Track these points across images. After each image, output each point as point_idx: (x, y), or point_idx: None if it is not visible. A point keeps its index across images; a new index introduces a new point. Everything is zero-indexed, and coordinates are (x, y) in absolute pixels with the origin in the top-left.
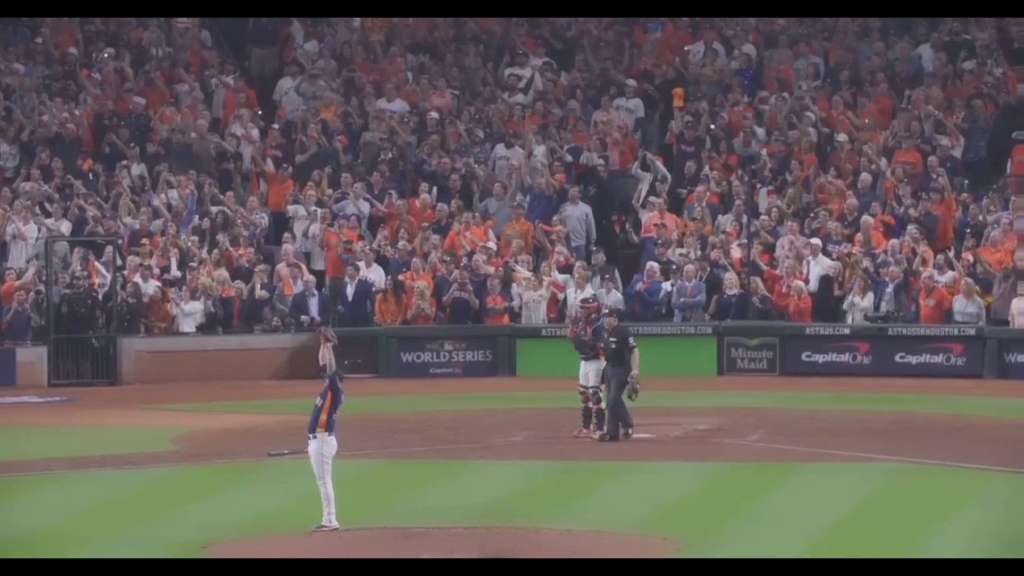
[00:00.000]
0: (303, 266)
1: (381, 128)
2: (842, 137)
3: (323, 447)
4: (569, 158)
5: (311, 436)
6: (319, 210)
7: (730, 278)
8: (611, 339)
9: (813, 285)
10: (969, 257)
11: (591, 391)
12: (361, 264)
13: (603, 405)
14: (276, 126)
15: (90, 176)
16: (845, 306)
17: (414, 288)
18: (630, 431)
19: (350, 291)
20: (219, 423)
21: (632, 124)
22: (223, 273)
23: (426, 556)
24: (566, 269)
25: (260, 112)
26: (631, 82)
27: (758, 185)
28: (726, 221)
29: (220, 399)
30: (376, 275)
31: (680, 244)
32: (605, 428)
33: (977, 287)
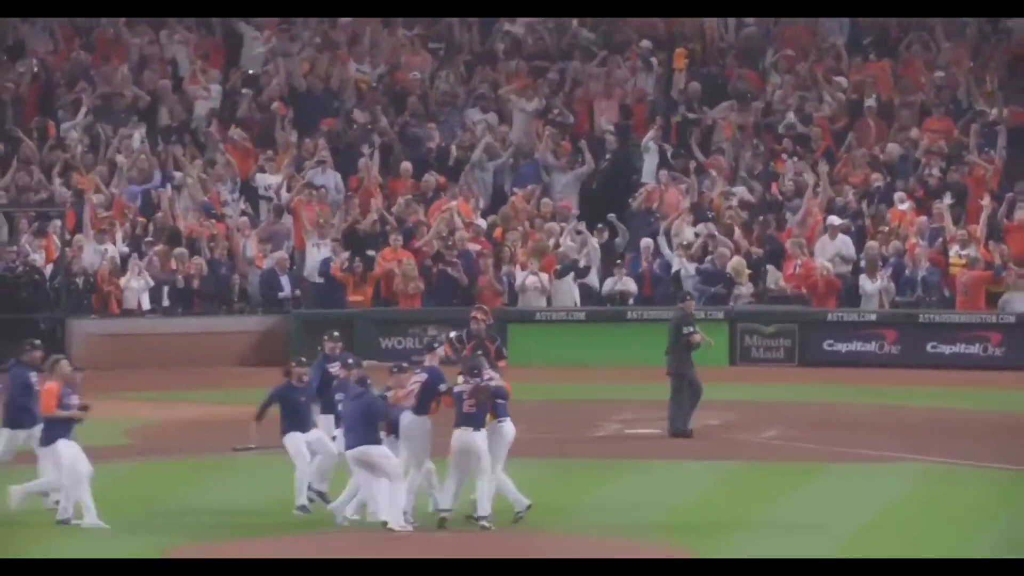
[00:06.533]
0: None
1: (351, 91)
2: (870, 103)
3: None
4: (570, 120)
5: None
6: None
7: (737, 263)
8: None
9: (835, 267)
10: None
11: None
12: (325, 241)
13: None
14: (245, 90)
15: (32, 138)
16: (867, 289)
17: (396, 266)
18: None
19: (314, 267)
20: (178, 414)
21: (648, 87)
22: (181, 251)
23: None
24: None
25: (224, 71)
26: (646, 43)
27: (783, 156)
28: (740, 194)
29: (180, 387)
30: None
31: (696, 222)
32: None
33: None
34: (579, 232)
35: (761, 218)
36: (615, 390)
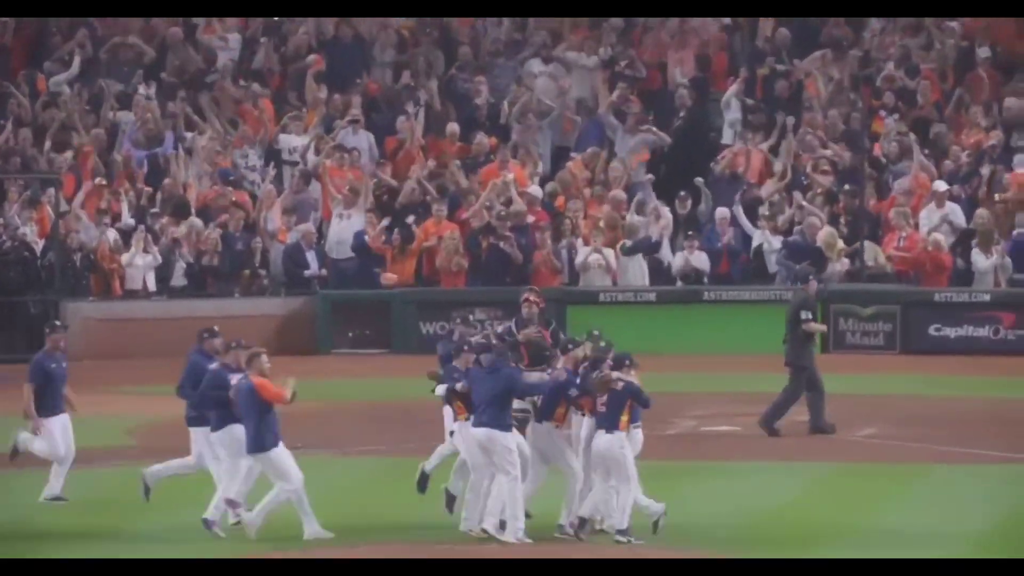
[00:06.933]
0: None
1: (390, 39)
2: (984, 52)
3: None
4: (641, 73)
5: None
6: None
7: (828, 235)
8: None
9: (945, 240)
10: None
11: None
12: (353, 210)
13: None
14: (267, 39)
15: (24, 95)
16: (980, 266)
17: (439, 239)
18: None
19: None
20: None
21: (729, 34)
22: (194, 223)
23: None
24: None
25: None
26: None
27: (883, 113)
28: (834, 157)
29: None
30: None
31: (783, 189)
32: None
33: None
34: (649, 201)
35: (855, 185)
36: (689, 381)
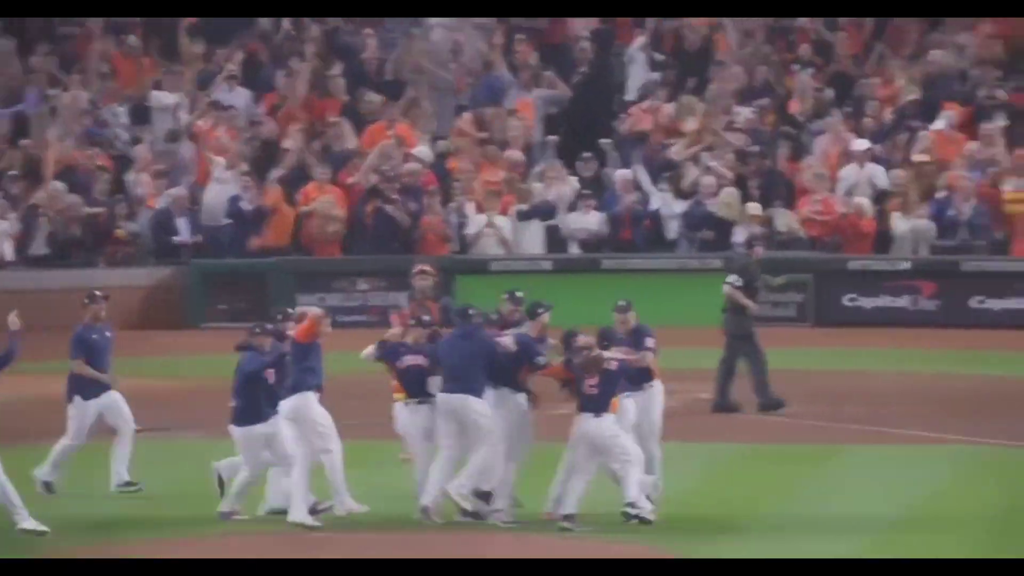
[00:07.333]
0: None
1: None
2: None
3: None
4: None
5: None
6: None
7: (728, 196)
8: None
9: (863, 204)
10: None
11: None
12: (229, 173)
13: None
14: None
15: None
16: (899, 232)
17: (313, 204)
18: None
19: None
20: (37, 390)
21: None
22: (56, 187)
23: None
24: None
25: None
26: None
27: (796, 67)
28: (745, 116)
29: (48, 356)
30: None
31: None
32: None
33: None
34: (549, 164)
35: (767, 146)
36: None
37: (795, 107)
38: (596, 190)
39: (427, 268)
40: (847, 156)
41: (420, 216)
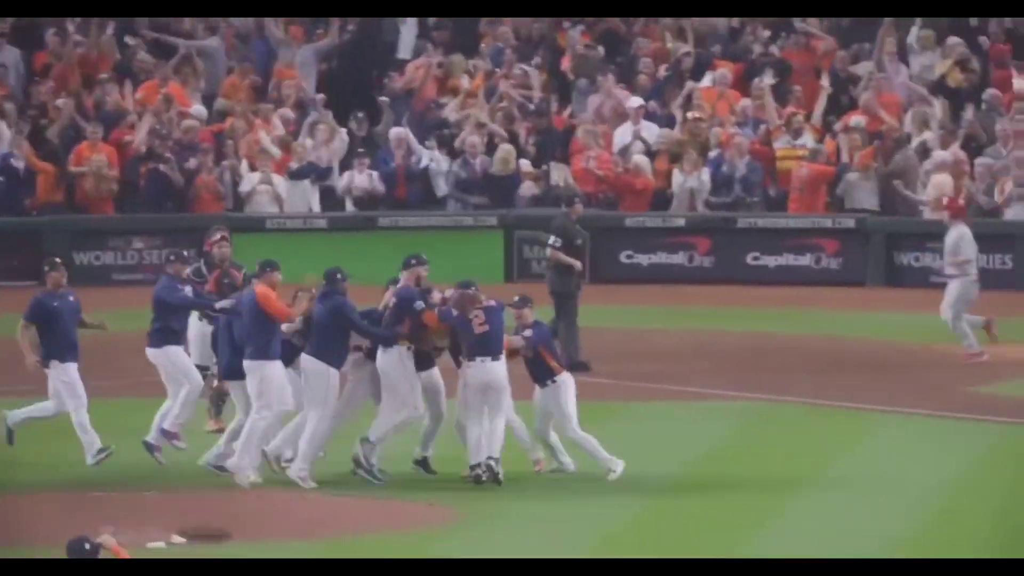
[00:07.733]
0: None
1: None
2: None
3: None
4: None
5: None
6: None
7: (505, 152)
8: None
9: (640, 161)
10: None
11: None
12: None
13: None
14: None
15: None
16: (674, 188)
17: (85, 164)
18: None
19: None
20: None
21: None
22: None
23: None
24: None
25: None
26: None
27: (566, 24)
28: (520, 73)
29: None
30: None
31: (461, 106)
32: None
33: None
34: (321, 122)
35: (541, 103)
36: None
37: (566, 64)
38: (370, 148)
39: (226, 234)
40: (621, 113)
41: (195, 175)
